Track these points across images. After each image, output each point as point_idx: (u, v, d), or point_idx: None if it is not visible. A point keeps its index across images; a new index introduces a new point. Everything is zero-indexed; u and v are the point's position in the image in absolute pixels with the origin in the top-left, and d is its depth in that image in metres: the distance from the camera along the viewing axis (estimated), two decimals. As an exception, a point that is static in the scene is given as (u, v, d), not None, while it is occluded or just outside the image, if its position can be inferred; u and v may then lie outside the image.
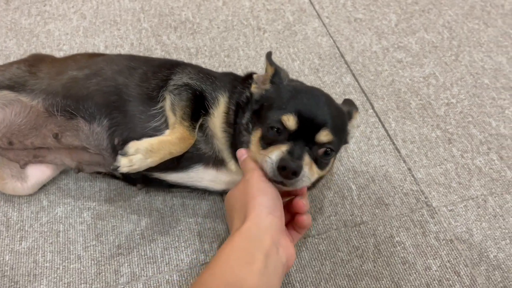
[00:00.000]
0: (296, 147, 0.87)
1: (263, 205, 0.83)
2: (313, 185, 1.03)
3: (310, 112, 0.90)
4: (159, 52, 1.58)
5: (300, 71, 1.53)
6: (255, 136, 0.95)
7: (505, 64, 1.54)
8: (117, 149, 1.03)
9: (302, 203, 0.91)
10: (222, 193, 1.17)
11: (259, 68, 1.53)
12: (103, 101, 1.05)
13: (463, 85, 1.48)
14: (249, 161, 0.94)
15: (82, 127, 1.06)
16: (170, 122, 1.02)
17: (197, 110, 1.04)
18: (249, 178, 0.89)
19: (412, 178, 1.25)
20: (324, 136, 0.89)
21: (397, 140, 1.33)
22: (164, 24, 1.68)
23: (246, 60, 1.56)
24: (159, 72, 1.11)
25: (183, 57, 1.57)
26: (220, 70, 1.52)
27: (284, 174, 0.85)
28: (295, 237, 0.94)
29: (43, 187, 1.21)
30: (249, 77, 1.11)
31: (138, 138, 0.98)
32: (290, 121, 0.88)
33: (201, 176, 1.08)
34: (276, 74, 1.01)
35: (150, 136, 1.00)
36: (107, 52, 1.59)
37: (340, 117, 0.97)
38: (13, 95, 1.09)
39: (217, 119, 1.06)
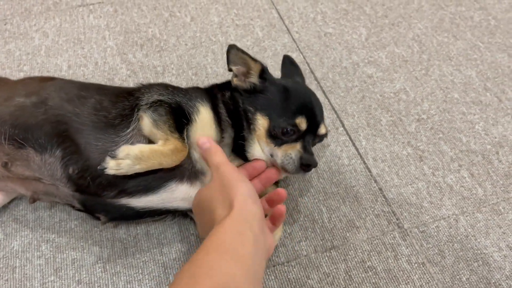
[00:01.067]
0: (306, 144, 1.03)
1: (246, 194, 0.85)
2: None
3: (313, 112, 1.06)
4: (124, 71, 1.53)
5: (270, 88, 1.49)
6: (260, 126, 1.03)
7: (474, 78, 1.53)
8: (72, 178, 0.98)
9: (284, 190, 0.96)
10: (187, 213, 1.13)
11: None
12: (52, 131, 1.00)
13: (433, 100, 1.47)
14: (218, 153, 0.96)
15: (33, 157, 1.00)
16: (157, 138, 0.98)
17: (179, 122, 1.01)
18: (224, 170, 0.91)
19: (384, 199, 1.22)
20: (323, 129, 1.09)
21: (368, 159, 1.31)
22: (130, 42, 1.63)
23: (214, 78, 1.53)
24: (119, 101, 1.06)
25: (149, 76, 1.52)
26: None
27: (307, 169, 1.01)
28: (271, 230, 0.95)
29: (-2, 219, 1.15)
30: (220, 86, 1.15)
31: (96, 165, 0.94)
32: (302, 124, 1.02)
33: (174, 195, 1.04)
34: (265, 70, 1.08)
35: None
36: (70, 72, 1.53)
37: (321, 104, 1.13)
38: None
39: (204, 127, 1.04)
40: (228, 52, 1.07)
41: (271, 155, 1.04)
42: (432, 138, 1.36)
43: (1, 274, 1.08)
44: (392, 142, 1.35)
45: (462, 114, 1.43)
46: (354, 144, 1.34)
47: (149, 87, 1.11)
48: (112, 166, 0.92)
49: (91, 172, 0.98)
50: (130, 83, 1.49)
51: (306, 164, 1.00)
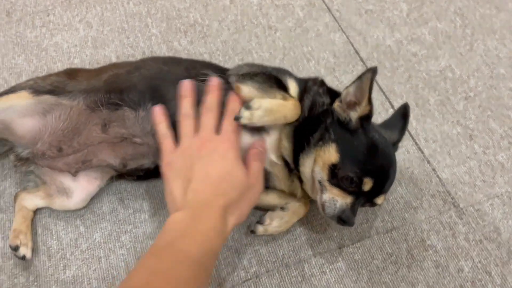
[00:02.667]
0: (357, 203, 0.99)
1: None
2: None
3: (383, 180, 1.00)
4: (172, 60, 1.57)
5: (317, 71, 1.52)
6: (328, 155, 0.99)
7: (519, 52, 1.55)
8: None
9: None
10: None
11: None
12: (146, 87, 1.09)
13: (479, 77, 1.49)
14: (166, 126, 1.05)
15: (128, 115, 1.09)
16: (277, 97, 1.02)
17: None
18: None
19: (438, 179, 1.28)
20: (380, 200, 1.03)
21: (419, 140, 1.36)
22: (173, 29, 1.66)
23: (261, 63, 1.55)
24: (209, 71, 1.13)
25: (197, 64, 1.56)
26: (236, 75, 1.52)
27: (340, 222, 0.99)
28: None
29: (78, 213, 1.23)
30: (323, 83, 1.12)
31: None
32: (367, 184, 0.97)
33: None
34: (369, 117, 1.01)
35: None
36: (120, 63, 1.57)
37: (395, 176, 1.07)
38: (54, 99, 1.12)
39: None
40: (363, 74, 0.97)
41: (320, 184, 1.01)
42: (481, 116, 1.40)
43: (89, 264, 1.17)
44: (442, 122, 1.39)
45: (510, 90, 1.45)
46: (405, 126, 1.38)
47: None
48: (246, 116, 0.98)
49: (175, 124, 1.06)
50: (180, 72, 1.53)
51: (343, 220, 0.98)
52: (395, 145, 1.12)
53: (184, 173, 0.98)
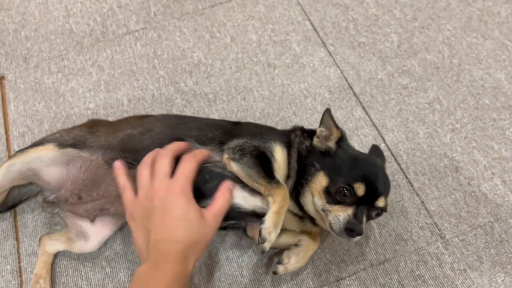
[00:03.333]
0: (359, 211, 1.08)
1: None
2: None
3: (374, 182, 1.11)
4: (180, 101, 1.70)
5: (313, 108, 1.64)
6: (319, 182, 1.12)
7: (503, 81, 1.65)
8: None
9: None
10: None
11: (275, 108, 1.65)
12: None
13: (465, 108, 1.60)
14: (125, 178, 1.14)
15: None
16: (261, 191, 1.14)
17: (266, 167, 1.16)
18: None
19: (426, 211, 1.41)
20: (381, 202, 1.11)
21: (409, 173, 1.48)
22: (179, 69, 1.78)
23: (261, 101, 1.68)
24: (210, 132, 1.25)
25: (202, 104, 1.68)
26: (239, 114, 1.65)
27: (350, 234, 1.07)
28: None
29: (103, 255, 1.38)
30: (303, 130, 1.26)
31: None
32: (360, 189, 1.08)
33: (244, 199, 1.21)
34: (343, 139, 1.18)
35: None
36: (131, 106, 1.70)
37: (389, 181, 1.19)
38: (76, 152, 1.27)
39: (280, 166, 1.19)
40: (323, 115, 1.18)
41: (323, 211, 1.12)
42: (466, 148, 1.51)
43: (115, 303, 1.32)
44: (430, 155, 1.51)
45: (493, 121, 1.56)
46: (396, 160, 1.50)
47: (238, 129, 1.30)
48: (267, 245, 1.06)
49: None
50: (187, 113, 1.66)
51: (350, 229, 1.06)
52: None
53: (144, 223, 1.05)
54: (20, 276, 1.39)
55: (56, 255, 1.38)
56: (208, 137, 1.23)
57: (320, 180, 1.13)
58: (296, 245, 1.24)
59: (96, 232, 1.34)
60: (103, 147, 1.27)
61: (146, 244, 1.04)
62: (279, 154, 1.20)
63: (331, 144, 1.18)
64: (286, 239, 1.26)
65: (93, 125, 1.38)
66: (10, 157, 1.27)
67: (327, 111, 1.18)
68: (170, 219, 1.02)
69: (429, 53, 1.74)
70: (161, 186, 1.05)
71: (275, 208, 1.09)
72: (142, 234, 1.06)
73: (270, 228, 1.07)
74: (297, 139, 1.23)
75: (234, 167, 1.15)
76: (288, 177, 1.22)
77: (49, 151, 1.28)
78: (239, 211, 1.17)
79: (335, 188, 1.09)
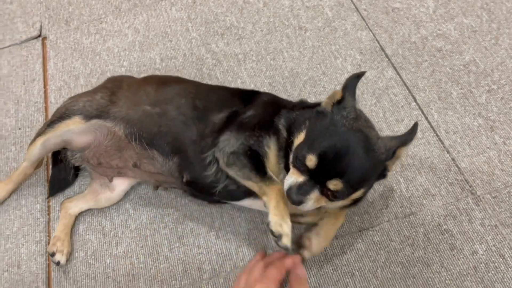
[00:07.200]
0: (309, 183, 0.99)
1: None
2: (354, 203, 1.11)
3: (332, 160, 0.96)
4: (210, 61, 1.72)
5: (343, 68, 1.62)
6: (297, 141, 1.05)
7: (546, 44, 1.57)
8: (186, 182, 1.22)
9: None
10: None
11: (304, 68, 1.64)
12: (171, 142, 1.22)
13: (503, 70, 1.53)
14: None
15: (157, 157, 1.23)
16: (255, 190, 1.12)
17: (258, 164, 1.13)
18: None
19: (457, 168, 1.35)
20: (333, 185, 0.97)
21: (440, 132, 1.43)
22: (211, 32, 1.80)
23: (291, 61, 1.67)
24: (209, 137, 1.21)
25: (232, 64, 1.70)
26: (267, 73, 1.65)
27: (290, 198, 1.01)
28: None
29: (127, 198, 1.41)
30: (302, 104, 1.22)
31: (201, 176, 1.18)
32: (311, 162, 0.97)
33: (251, 204, 1.23)
34: (340, 103, 1.03)
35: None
36: (163, 64, 1.74)
37: (365, 169, 1.00)
38: (101, 121, 1.29)
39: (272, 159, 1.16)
40: (350, 80, 1.05)
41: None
42: (503, 108, 1.45)
43: (137, 242, 1.34)
44: (463, 114, 1.45)
45: (533, 83, 1.49)
46: (426, 118, 1.46)
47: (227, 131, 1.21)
48: (286, 241, 1.01)
49: (198, 181, 1.20)
50: (217, 72, 1.68)
51: (289, 196, 1.00)
52: (393, 151, 1.04)
53: None
54: (48, 214, 1.43)
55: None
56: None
57: (299, 139, 1.05)
58: (315, 224, 1.17)
59: (120, 182, 1.38)
60: (124, 119, 1.28)
61: None
62: (272, 154, 1.14)
63: (328, 106, 1.05)
64: (309, 218, 1.21)
65: (114, 91, 1.35)
66: (41, 132, 1.32)
67: (359, 75, 1.06)
68: None
69: (467, 18, 1.69)
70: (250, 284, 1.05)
71: (273, 203, 1.06)
72: None
73: (277, 222, 1.03)
74: (281, 120, 1.16)
75: (230, 171, 1.15)
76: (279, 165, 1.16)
77: (77, 125, 1.30)
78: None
79: (295, 152, 1.03)
